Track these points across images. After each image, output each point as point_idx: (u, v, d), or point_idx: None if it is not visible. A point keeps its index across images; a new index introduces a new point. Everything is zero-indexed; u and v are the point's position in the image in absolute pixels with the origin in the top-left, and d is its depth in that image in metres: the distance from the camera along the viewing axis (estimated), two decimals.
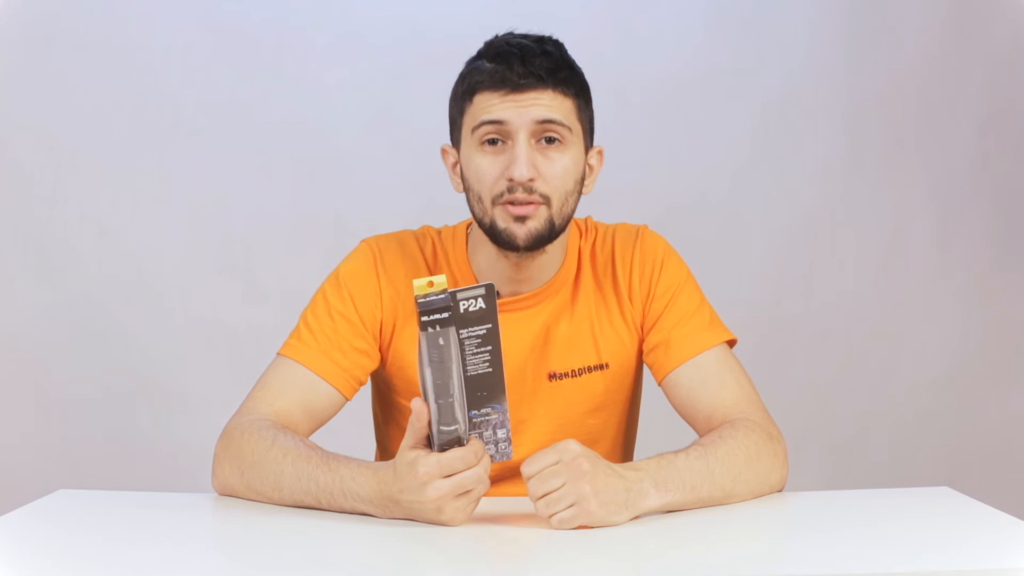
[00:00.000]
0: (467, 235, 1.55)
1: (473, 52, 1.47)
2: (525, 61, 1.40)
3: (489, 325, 1.20)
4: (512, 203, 1.40)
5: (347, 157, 2.78)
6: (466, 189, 1.46)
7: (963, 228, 2.91)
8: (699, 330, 1.50)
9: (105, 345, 2.73)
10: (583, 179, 1.47)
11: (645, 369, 1.59)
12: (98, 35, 2.71)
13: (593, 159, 1.51)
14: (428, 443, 1.22)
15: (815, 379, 2.88)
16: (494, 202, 1.42)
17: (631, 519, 1.23)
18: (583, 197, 1.50)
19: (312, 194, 2.78)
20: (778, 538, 1.22)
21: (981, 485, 1.80)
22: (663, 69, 2.83)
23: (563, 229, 1.46)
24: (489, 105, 1.40)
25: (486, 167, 1.42)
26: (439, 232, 1.57)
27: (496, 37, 1.46)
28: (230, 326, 2.75)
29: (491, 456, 1.24)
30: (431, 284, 1.19)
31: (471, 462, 1.20)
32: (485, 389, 1.21)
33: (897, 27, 2.88)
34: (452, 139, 1.50)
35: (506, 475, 1.52)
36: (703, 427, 1.45)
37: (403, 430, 1.54)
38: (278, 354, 1.49)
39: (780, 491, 1.40)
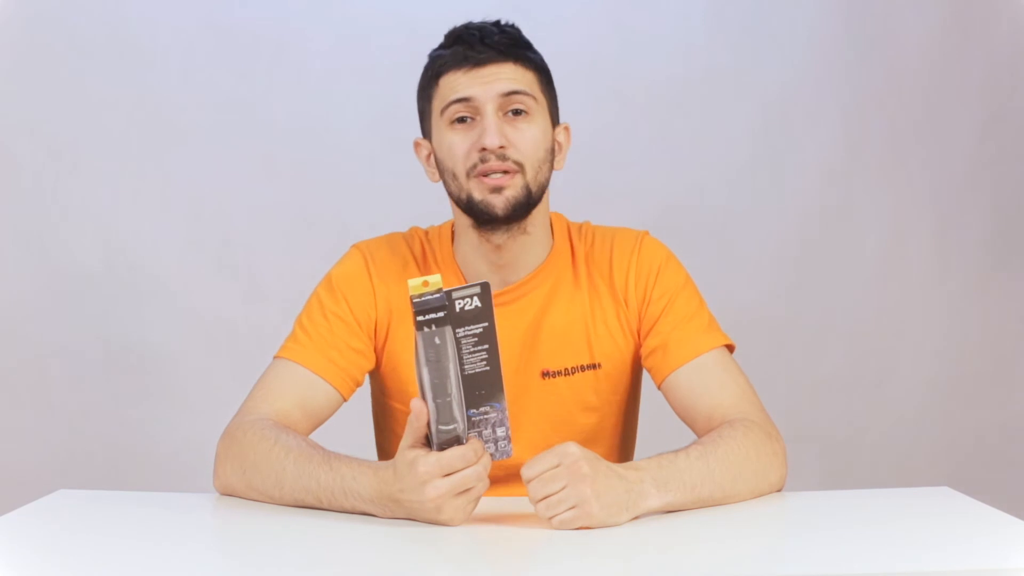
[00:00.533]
0: (452, 231, 1.56)
1: None
2: (484, 39, 1.45)
3: (485, 323, 1.20)
4: (486, 173, 1.43)
5: (348, 157, 2.78)
6: (442, 173, 1.50)
7: (962, 228, 2.91)
8: (697, 333, 1.50)
9: (105, 345, 2.73)
10: (553, 151, 1.50)
11: (645, 377, 1.59)
12: (99, 35, 2.71)
13: (561, 136, 1.54)
14: (427, 443, 1.23)
15: (815, 379, 2.88)
16: (468, 175, 1.45)
17: (631, 519, 1.23)
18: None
19: (313, 194, 2.78)
20: (778, 538, 1.22)
21: (981, 485, 1.80)
22: (662, 70, 2.83)
23: (539, 199, 1.48)
24: (455, 84, 1.45)
25: (457, 142, 1.45)
26: (427, 232, 1.59)
27: (454, 27, 1.51)
28: (230, 326, 2.75)
29: (491, 455, 1.24)
30: (426, 284, 1.19)
31: (471, 460, 1.20)
32: (483, 388, 1.22)
33: (897, 28, 2.88)
34: (423, 131, 1.53)
35: (506, 476, 1.52)
36: (703, 428, 1.45)
37: (397, 435, 1.55)
38: (275, 357, 1.49)
39: (779, 491, 1.40)
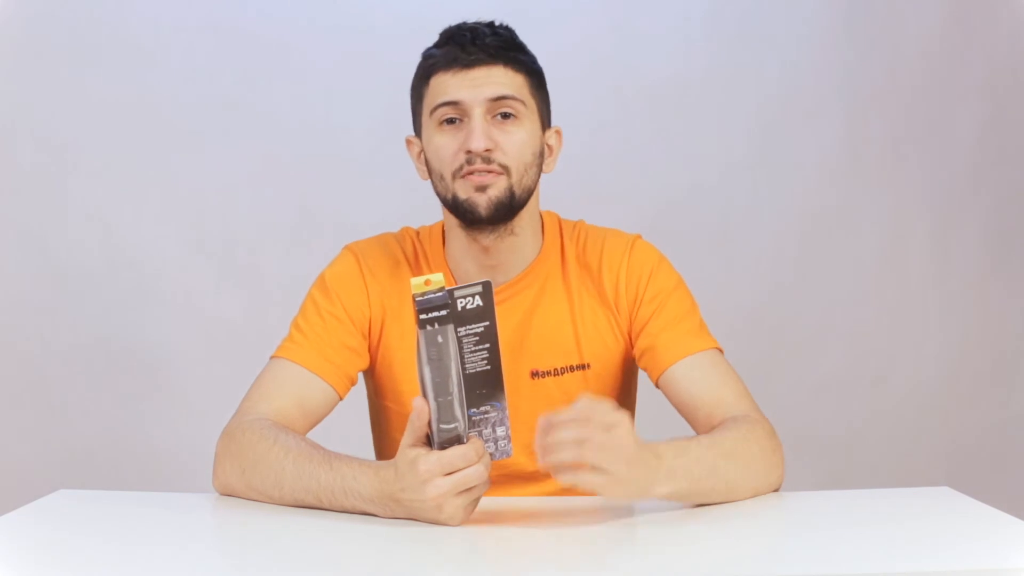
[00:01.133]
0: (443, 231, 1.57)
1: None
2: (476, 40, 1.45)
3: (487, 323, 1.20)
4: (471, 174, 1.44)
5: (349, 156, 2.78)
6: (429, 171, 1.50)
7: (962, 228, 2.91)
8: (688, 334, 1.51)
9: (106, 344, 2.73)
10: (542, 155, 1.50)
11: (641, 374, 1.59)
12: (99, 34, 2.71)
13: (552, 139, 1.54)
14: (428, 442, 1.23)
15: (814, 379, 2.88)
16: (454, 176, 1.45)
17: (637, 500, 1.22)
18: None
19: (314, 194, 2.78)
20: (777, 538, 1.22)
21: (981, 485, 1.80)
22: (661, 69, 2.83)
23: (523, 203, 1.48)
24: (444, 86, 1.45)
25: (445, 144, 1.46)
26: (418, 232, 1.60)
27: (448, 26, 1.51)
28: (231, 326, 2.75)
29: (491, 454, 1.24)
30: (428, 283, 1.20)
31: (472, 460, 1.20)
32: (484, 387, 1.22)
33: (897, 27, 2.88)
34: (415, 129, 1.54)
35: (506, 476, 1.52)
36: (703, 424, 1.45)
37: (391, 435, 1.55)
38: (272, 357, 1.50)
39: (776, 491, 1.40)
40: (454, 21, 1.53)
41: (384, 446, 1.62)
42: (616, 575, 1.10)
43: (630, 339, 1.55)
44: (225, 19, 2.74)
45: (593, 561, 1.13)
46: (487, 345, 1.21)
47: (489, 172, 1.44)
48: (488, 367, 1.21)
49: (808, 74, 2.87)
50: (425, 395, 1.21)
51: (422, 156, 1.52)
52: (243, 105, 2.75)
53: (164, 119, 2.73)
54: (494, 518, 1.27)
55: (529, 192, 1.49)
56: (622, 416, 1.21)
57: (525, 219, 1.51)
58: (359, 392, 1.61)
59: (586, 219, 1.63)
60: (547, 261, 1.55)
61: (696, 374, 1.48)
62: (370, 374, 1.57)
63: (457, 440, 1.21)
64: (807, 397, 2.87)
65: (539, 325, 1.53)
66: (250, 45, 2.75)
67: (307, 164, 2.78)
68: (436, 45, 1.50)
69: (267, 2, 2.76)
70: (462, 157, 1.44)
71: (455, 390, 1.20)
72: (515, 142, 1.45)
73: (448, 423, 1.21)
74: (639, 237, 1.59)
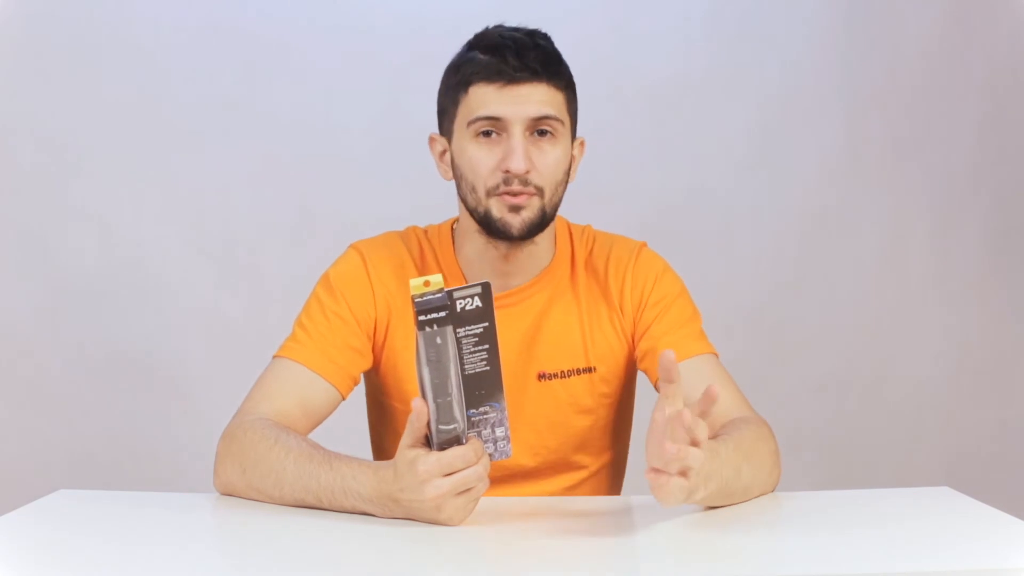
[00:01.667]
0: (452, 231, 1.56)
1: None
2: (520, 54, 1.43)
3: (486, 323, 1.20)
4: (508, 194, 1.43)
5: (350, 156, 2.78)
6: (458, 179, 1.49)
7: (961, 228, 2.91)
8: (689, 339, 1.52)
9: (106, 344, 2.73)
10: (570, 169, 1.51)
11: (642, 377, 1.59)
12: (100, 34, 2.71)
13: (576, 150, 1.54)
14: (427, 442, 1.23)
15: (814, 379, 2.88)
16: (489, 193, 1.44)
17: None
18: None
19: (314, 193, 2.78)
20: (778, 538, 1.22)
21: (981, 485, 1.80)
22: (660, 69, 2.83)
23: (552, 218, 1.49)
24: (485, 99, 1.43)
25: (481, 158, 1.44)
26: (425, 231, 1.59)
27: (487, 29, 1.49)
28: (232, 326, 2.75)
29: (490, 454, 1.24)
30: (427, 284, 1.20)
31: (471, 460, 1.20)
32: (483, 387, 1.22)
33: (896, 27, 2.88)
34: (441, 128, 1.52)
35: (505, 477, 1.53)
36: None
37: (397, 433, 1.55)
38: (275, 357, 1.50)
39: (772, 491, 1.40)
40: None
41: (386, 444, 1.62)
42: (616, 575, 1.10)
43: (633, 342, 1.55)
44: (225, 19, 2.74)
45: (593, 561, 1.13)
46: (486, 346, 1.21)
47: (524, 194, 1.43)
48: (487, 368, 1.21)
49: (808, 74, 2.87)
50: (424, 396, 1.21)
51: (446, 156, 1.51)
52: (243, 105, 2.75)
53: (164, 119, 2.73)
54: (494, 518, 1.27)
55: (557, 208, 1.49)
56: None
57: (547, 232, 1.51)
58: (359, 392, 1.61)
59: (587, 220, 1.63)
60: (559, 266, 1.56)
61: (696, 377, 1.48)
62: (374, 373, 1.57)
63: (456, 441, 1.21)
64: (807, 397, 2.87)
65: (549, 328, 1.54)
66: (250, 45, 2.75)
67: (307, 164, 2.78)
68: (475, 47, 1.46)
69: (267, 2, 2.76)
70: (499, 176, 1.43)
71: (454, 391, 1.20)
72: (550, 162, 1.45)
73: (447, 424, 1.21)
74: (645, 245, 1.60)
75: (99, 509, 1.34)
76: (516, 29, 1.47)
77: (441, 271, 1.54)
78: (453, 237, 1.56)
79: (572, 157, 1.52)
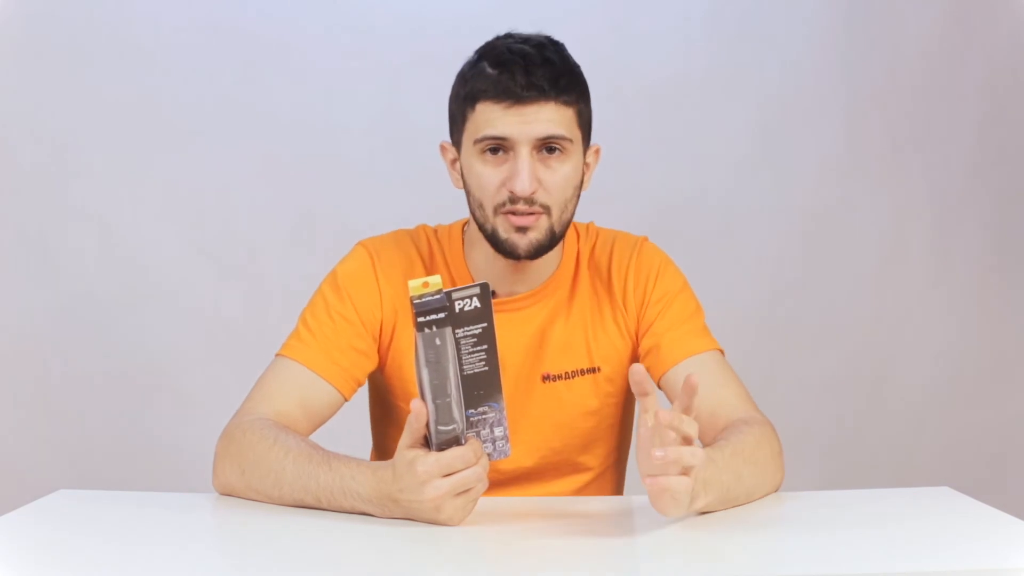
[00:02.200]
0: (463, 233, 1.55)
1: (472, 51, 1.47)
2: (528, 71, 1.40)
3: (484, 324, 1.20)
4: (513, 213, 1.42)
5: (349, 156, 2.77)
6: (467, 190, 1.48)
7: (962, 228, 2.91)
8: (692, 335, 1.51)
9: (106, 345, 2.73)
10: (581, 183, 1.49)
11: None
12: (100, 34, 2.71)
13: (590, 157, 1.52)
14: (426, 443, 1.23)
15: (814, 379, 2.88)
16: (495, 211, 1.43)
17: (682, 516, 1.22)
18: (584, 197, 1.51)
19: (314, 193, 2.78)
20: (778, 538, 1.22)
21: (981, 485, 1.80)
22: (660, 69, 2.83)
23: (563, 236, 1.48)
24: (492, 117, 1.41)
25: (488, 176, 1.43)
26: (435, 231, 1.58)
27: (497, 39, 1.46)
28: (231, 325, 2.75)
29: (489, 454, 1.24)
30: (426, 285, 1.20)
31: (470, 461, 1.20)
32: (482, 388, 1.22)
33: (896, 26, 2.88)
34: (452, 136, 1.50)
35: (505, 479, 1.52)
36: (705, 424, 1.45)
37: (402, 433, 1.55)
38: (277, 355, 1.49)
39: (776, 491, 1.40)
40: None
41: (389, 442, 1.61)
42: (616, 575, 1.10)
43: (636, 339, 1.55)
44: (225, 19, 2.74)
45: (593, 561, 1.12)
46: (485, 346, 1.21)
47: (531, 214, 1.42)
48: (486, 368, 1.21)
49: (808, 74, 2.87)
50: (423, 397, 1.21)
51: (457, 165, 1.50)
52: (243, 105, 2.75)
53: (164, 119, 2.73)
54: (494, 518, 1.27)
55: (567, 226, 1.48)
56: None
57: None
58: (362, 392, 1.61)
59: (586, 219, 1.63)
60: (566, 268, 1.55)
61: (699, 375, 1.47)
62: (379, 374, 1.56)
63: (455, 441, 1.21)
64: (808, 397, 2.86)
65: (554, 331, 1.53)
66: (250, 45, 2.75)
67: (307, 164, 2.78)
68: (483, 58, 1.44)
69: (267, 2, 2.76)
70: (504, 194, 1.42)
71: (453, 392, 1.20)
72: (558, 180, 1.43)
73: (446, 424, 1.21)
74: (646, 239, 1.59)
75: (99, 509, 1.34)
76: (527, 40, 1.44)
77: (449, 272, 1.53)
78: (463, 239, 1.55)
79: (587, 165, 1.50)
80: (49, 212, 2.72)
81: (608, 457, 1.60)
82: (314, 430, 1.47)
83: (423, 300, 1.19)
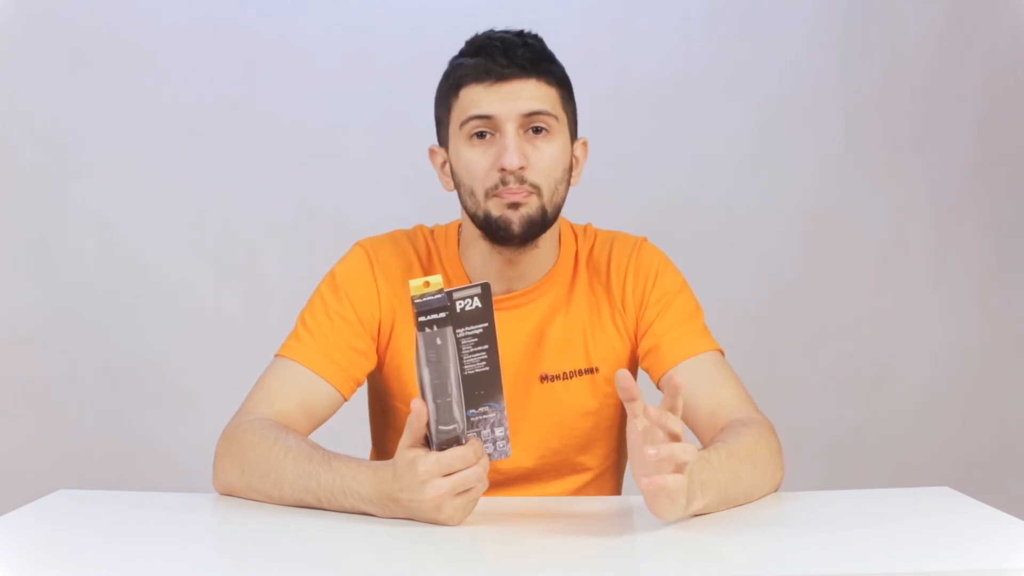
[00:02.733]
0: (459, 233, 1.56)
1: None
2: (507, 53, 1.42)
3: (485, 324, 1.20)
4: (506, 194, 1.42)
5: (349, 156, 2.78)
6: (457, 185, 1.48)
7: (962, 228, 2.91)
8: (691, 336, 1.51)
9: (107, 345, 2.73)
10: (571, 169, 1.49)
11: (642, 376, 1.59)
12: (100, 34, 2.71)
13: (578, 151, 1.52)
14: (426, 443, 1.23)
15: (814, 379, 2.88)
16: (487, 195, 1.43)
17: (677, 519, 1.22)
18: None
19: (314, 193, 2.78)
20: (778, 538, 1.22)
21: (981, 485, 1.80)
22: (660, 69, 2.83)
23: (555, 219, 1.47)
24: (476, 98, 1.43)
25: (476, 160, 1.44)
26: (432, 231, 1.58)
27: (476, 35, 1.48)
28: (231, 325, 2.75)
29: (489, 455, 1.24)
30: (427, 284, 1.20)
31: (470, 461, 1.20)
32: (482, 388, 1.22)
33: (896, 26, 2.88)
34: (439, 138, 1.51)
35: (505, 481, 1.52)
36: (704, 425, 1.45)
37: (400, 434, 1.55)
38: (276, 356, 1.49)
39: (776, 491, 1.40)
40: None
41: (388, 443, 1.62)
42: (616, 575, 1.10)
43: (635, 339, 1.55)
44: (225, 19, 2.74)
45: (593, 561, 1.13)
46: (486, 346, 1.21)
47: (522, 192, 1.42)
48: (487, 368, 1.21)
49: (808, 74, 2.87)
50: (424, 396, 1.21)
51: (446, 167, 1.50)
52: (243, 105, 2.75)
53: (164, 119, 2.73)
54: (494, 518, 1.27)
55: (559, 209, 1.48)
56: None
57: (548, 232, 1.50)
58: (361, 392, 1.61)
59: (587, 220, 1.63)
60: (563, 267, 1.55)
61: (698, 375, 1.48)
62: (377, 374, 1.56)
63: (456, 441, 1.21)
64: (808, 397, 2.86)
65: (552, 331, 1.53)
66: (250, 45, 2.75)
67: (307, 164, 2.78)
68: (464, 54, 1.46)
69: (267, 2, 2.76)
70: (496, 176, 1.42)
71: (454, 391, 1.20)
72: (546, 159, 1.43)
73: (447, 424, 1.21)
74: (645, 239, 1.59)
75: (99, 509, 1.34)
76: (506, 31, 1.47)
77: (446, 272, 1.53)
78: (459, 238, 1.56)
79: (576, 159, 1.51)
80: (49, 212, 2.72)
81: (607, 458, 1.60)
82: (313, 430, 1.47)
83: (424, 300, 1.19)
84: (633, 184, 2.81)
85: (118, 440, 2.72)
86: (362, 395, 1.63)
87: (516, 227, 1.43)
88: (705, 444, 1.42)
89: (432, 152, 1.53)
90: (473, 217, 1.47)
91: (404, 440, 1.22)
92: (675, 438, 1.16)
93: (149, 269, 2.74)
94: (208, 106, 2.74)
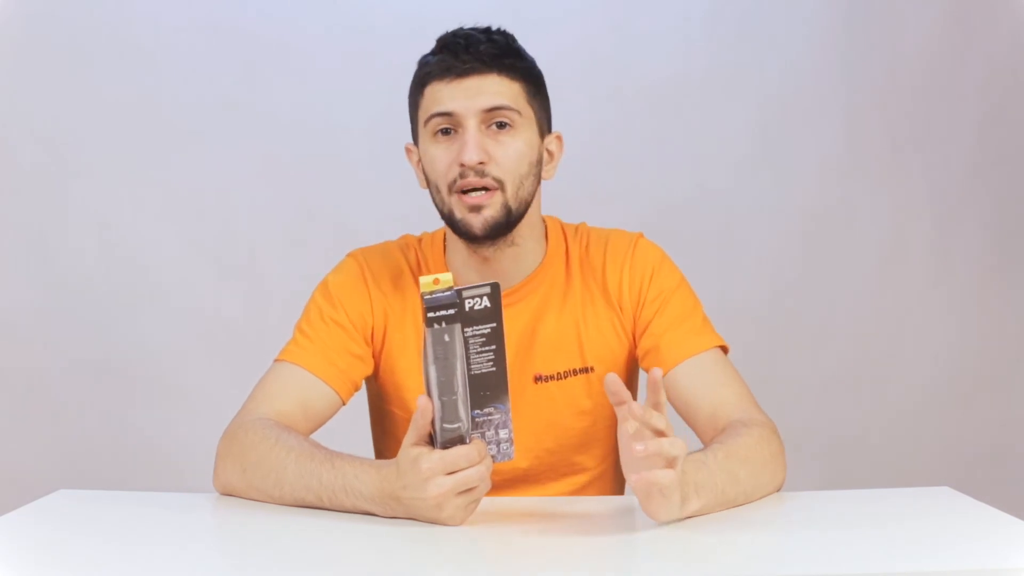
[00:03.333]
0: (444, 238, 1.57)
1: None
2: (469, 48, 1.43)
3: (493, 324, 1.20)
4: (464, 190, 1.43)
5: (349, 156, 2.78)
6: (427, 182, 1.49)
7: (962, 227, 2.91)
8: (691, 334, 1.51)
9: (106, 345, 2.73)
10: (539, 163, 1.49)
11: (640, 376, 1.59)
12: (100, 34, 2.71)
13: (552, 145, 1.52)
14: (430, 441, 1.23)
15: (815, 379, 2.88)
16: (450, 189, 1.44)
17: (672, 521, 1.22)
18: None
19: (314, 194, 2.78)
20: (777, 538, 1.22)
21: (981, 485, 1.80)
22: (660, 69, 2.83)
23: (521, 215, 1.47)
24: (438, 95, 1.44)
25: (439, 156, 1.44)
26: (419, 239, 1.59)
27: (445, 32, 1.49)
28: (231, 326, 2.75)
29: (492, 456, 1.24)
30: (437, 281, 1.20)
31: (474, 460, 1.20)
32: (488, 388, 1.21)
33: (896, 26, 2.88)
34: (413, 137, 1.52)
35: (505, 481, 1.52)
36: (705, 425, 1.45)
37: (396, 439, 1.55)
38: (275, 361, 1.50)
39: (778, 491, 1.40)
40: (454, 22, 1.52)
41: (387, 449, 1.62)
42: (616, 575, 1.10)
43: (634, 339, 1.54)
44: (225, 19, 2.74)
45: (593, 561, 1.12)
46: (493, 347, 1.20)
47: (485, 189, 1.42)
48: (493, 368, 1.21)
49: (808, 74, 2.87)
50: (430, 394, 1.20)
51: (420, 165, 1.51)
52: (243, 105, 2.75)
53: (164, 119, 2.73)
54: (494, 518, 1.27)
55: (527, 203, 1.47)
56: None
57: (525, 229, 1.50)
58: (360, 396, 1.61)
59: (587, 221, 1.63)
60: (551, 267, 1.55)
61: (698, 376, 1.47)
62: (373, 380, 1.57)
63: (460, 440, 1.21)
64: (808, 397, 2.86)
65: (544, 330, 1.53)
66: (250, 45, 2.75)
67: (307, 164, 2.78)
68: (432, 52, 1.48)
69: (267, 2, 2.76)
70: (456, 170, 1.42)
71: (460, 390, 1.20)
72: (509, 154, 1.43)
73: (452, 423, 1.21)
74: (641, 236, 1.59)
75: (99, 509, 1.34)
76: (473, 28, 1.48)
77: None
78: (445, 244, 1.56)
79: (549, 153, 1.51)
80: (49, 212, 2.72)
81: (605, 459, 1.60)
82: (313, 432, 1.47)
83: (434, 296, 1.19)
84: (633, 184, 2.81)
85: (118, 440, 2.72)
86: (362, 404, 1.63)
87: (478, 230, 1.44)
88: (706, 444, 1.42)
89: (408, 151, 1.55)
90: (441, 214, 1.48)
91: (408, 437, 1.22)
92: (661, 435, 1.16)
93: (149, 269, 2.74)
94: (208, 106, 2.74)
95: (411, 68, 1.52)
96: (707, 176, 2.85)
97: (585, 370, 1.53)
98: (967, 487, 1.43)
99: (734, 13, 2.85)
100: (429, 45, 1.51)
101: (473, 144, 1.41)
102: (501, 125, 1.44)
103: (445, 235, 1.56)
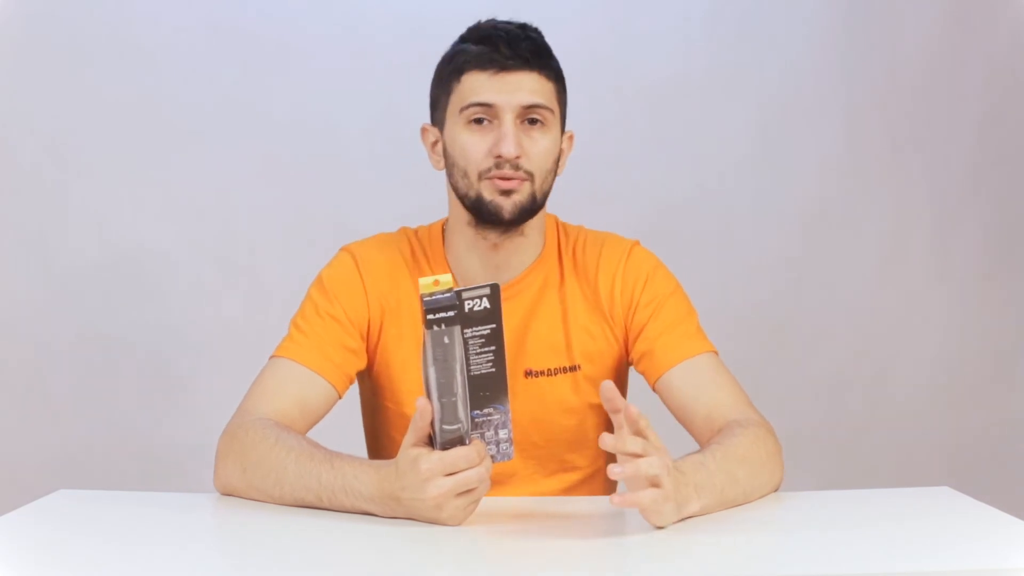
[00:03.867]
0: (443, 231, 1.57)
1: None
2: (511, 44, 1.46)
3: (493, 325, 1.20)
4: (500, 178, 1.46)
5: (349, 156, 2.77)
6: (450, 166, 1.51)
7: (962, 227, 2.91)
8: (685, 338, 1.52)
9: (105, 344, 2.73)
10: (559, 159, 1.53)
11: (635, 377, 1.59)
12: (100, 34, 2.71)
13: (565, 143, 1.56)
14: (430, 442, 1.23)
15: (815, 379, 2.88)
16: (480, 176, 1.47)
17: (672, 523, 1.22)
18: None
19: (314, 194, 2.78)
20: (777, 538, 1.22)
21: (981, 485, 1.80)
22: (660, 69, 2.83)
23: (542, 205, 1.51)
24: (477, 86, 1.46)
25: (473, 145, 1.47)
26: (416, 232, 1.60)
27: (479, 23, 1.52)
28: (231, 325, 2.74)
29: (492, 456, 1.24)
30: (436, 283, 1.20)
31: (473, 461, 1.20)
32: (488, 389, 1.21)
33: (896, 26, 2.88)
34: (433, 118, 1.55)
35: (499, 478, 1.52)
36: (702, 427, 1.46)
37: (390, 435, 1.56)
38: (272, 357, 1.50)
39: (776, 491, 1.40)
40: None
41: (380, 445, 1.62)
42: (616, 575, 1.10)
43: (626, 344, 1.55)
44: (225, 19, 2.74)
45: (592, 562, 1.13)
46: (492, 347, 1.21)
47: (515, 179, 1.46)
48: (493, 369, 1.21)
49: (808, 74, 2.87)
50: (429, 395, 1.20)
51: (438, 147, 1.53)
52: (243, 105, 2.75)
53: (164, 119, 2.73)
54: (494, 518, 1.27)
55: (546, 196, 1.52)
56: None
57: (535, 220, 1.53)
58: (353, 395, 1.61)
59: (586, 221, 1.64)
60: (546, 262, 1.56)
61: (693, 378, 1.48)
62: (367, 374, 1.58)
63: (459, 441, 1.21)
64: (807, 397, 2.86)
65: (535, 325, 1.54)
66: (250, 45, 2.75)
67: (307, 164, 2.78)
68: (467, 39, 1.50)
69: (267, 2, 2.76)
70: (491, 160, 1.46)
71: (459, 391, 1.20)
72: (540, 150, 1.47)
73: (451, 424, 1.21)
74: (637, 243, 1.60)
75: (99, 509, 1.34)
76: (508, 22, 1.51)
77: (431, 270, 1.55)
78: (443, 236, 1.57)
79: (561, 150, 1.54)
80: (49, 212, 2.71)
81: (598, 459, 1.60)
82: (310, 427, 1.48)
83: (433, 298, 1.19)
84: (633, 184, 2.81)
85: (118, 440, 2.72)
86: (354, 400, 1.63)
87: (507, 213, 1.47)
88: (702, 446, 1.42)
89: (424, 131, 1.56)
90: (463, 197, 1.49)
91: (408, 438, 1.22)
92: (639, 433, 1.18)
93: (149, 269, 2.74)
94: (208, 106, 2.74)
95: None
96: (707, 176, 2.85)
97: (572, 368, 1.54)
98: (967, 487, 1.43)
99: (734, 13, 2.85)
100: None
101: (512, 138, 1.45)
102: (533, 121, 1.47)
103: (443, 227, 1.57)
